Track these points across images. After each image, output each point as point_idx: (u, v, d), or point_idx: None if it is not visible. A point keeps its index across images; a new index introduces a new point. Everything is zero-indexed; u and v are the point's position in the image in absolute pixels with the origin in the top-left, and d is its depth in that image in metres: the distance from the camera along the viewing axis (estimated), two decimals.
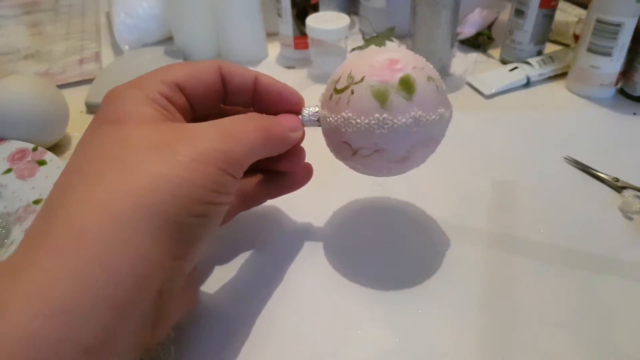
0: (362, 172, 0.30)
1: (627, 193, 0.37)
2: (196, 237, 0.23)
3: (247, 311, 0.29)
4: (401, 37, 0.58)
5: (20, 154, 0.39)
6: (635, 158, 0.42)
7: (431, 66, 0.28)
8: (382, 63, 0.26)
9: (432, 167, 0.41)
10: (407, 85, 0.26)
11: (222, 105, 0.29)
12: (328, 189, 0.38)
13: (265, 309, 0.30)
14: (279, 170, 0.32)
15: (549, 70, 0.53)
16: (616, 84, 0.49)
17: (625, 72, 0.49)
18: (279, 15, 0.56)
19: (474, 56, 0.58)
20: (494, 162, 0.42)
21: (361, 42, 0.57)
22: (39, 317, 0.18)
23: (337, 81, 0.27)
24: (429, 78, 0.27)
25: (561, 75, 0.54)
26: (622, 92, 0.50)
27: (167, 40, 0.63)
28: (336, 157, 0.30)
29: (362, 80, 0.26)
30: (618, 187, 0.38)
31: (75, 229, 0.20)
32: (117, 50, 0.62)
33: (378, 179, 0.39)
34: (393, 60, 0.26)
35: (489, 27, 0.61)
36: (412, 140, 0.27)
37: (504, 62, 0.57)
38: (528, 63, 0.53)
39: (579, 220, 0.36)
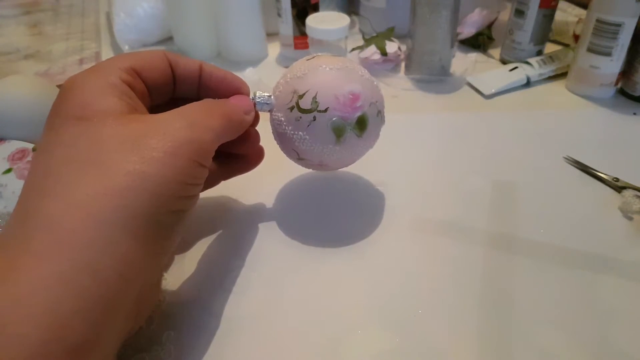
0: (304, 167, 0.33)
1: (627, 193, 0.37)
2: (174, 233, 0.24)
3: (246, 310, 0.29)
4: (401, 37, 0.58)
5: (20, 154, 0.39)
6: (635, 158, 0.42)
7: (381, 94, 0.32)
8: (346, 97, 0.29)
9: (433, 167, 0.41)
10: (361, 124, 0.30)
11: (172, 96, 0.29)
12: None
13: (262, 306, 0.30)
14: (233, 152, 0.32)
15: (549, 70, 0.53)
16: (616, 84, 0.49)
17: (625, 72, 0.49)
18: (279, 15, 0.56)
19: (474, 56, 0.58)
20: (494, 162, 0.42)
21: (361, 42, 0.57)
22: (27, 319, 0.18)
23: (302, 96, 0.29)
24: (379, 113, 0.31)
25: (561, 75, 0.54)
26: (622, 92, 0.50)
27: (167, 40, 0.63)
28: (280, 148, 0.32)
29: (325, 111, 0.29)
30: (618, 187, 0.38)
31: (59, 232, 0.19)
32: (117, 50, 0.62)
33: (377, 180, 0.39)
34: (355, 95, 0.29)
35: (489, 27, 0.61)
36: (351, 161, 0.33)
37: (504, 62, 0.57)
38: (528, 63, 0.53)
39: (579, 220, 0.36)
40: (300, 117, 0.29)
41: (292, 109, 0.29)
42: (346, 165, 0.33)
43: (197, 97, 0.29)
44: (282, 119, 0.30)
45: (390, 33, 0.57)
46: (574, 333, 0.28)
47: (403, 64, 0.56)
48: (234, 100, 0.29)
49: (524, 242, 0.34)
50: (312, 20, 0.52)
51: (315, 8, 0.55)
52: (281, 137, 0.31)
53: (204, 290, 0.31)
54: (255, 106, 0.30)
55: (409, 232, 0.35)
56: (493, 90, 0.51)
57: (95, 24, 0.72)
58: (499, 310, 0.29)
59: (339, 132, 0.29)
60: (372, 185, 0.39)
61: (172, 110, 0.25)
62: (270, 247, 0.34)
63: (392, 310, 0.29)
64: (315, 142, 0.29)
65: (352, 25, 0.63)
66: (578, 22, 0.60)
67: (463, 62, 0.56)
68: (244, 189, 0.38)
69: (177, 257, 0.33)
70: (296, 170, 0.39)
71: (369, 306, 0.30)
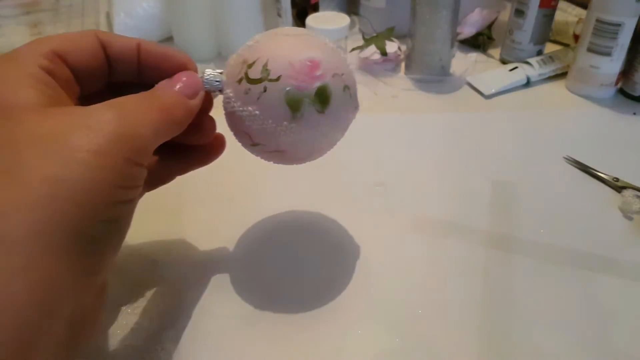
0: (261, 158, 0.28)
1: (627, 193, 0.37)
2: (107, 245, 0.20)
3: (246, 310, 0.29)
4: (401, 37, 0.58)
5: None
6: (635, 158, 0.42)
7: (350, 69, 0.27)
8: (303, 64, 0.24)
9: (433, 167, 0.41)
10: (322, 97, 0.25)
11: (109, 81, 0.26)
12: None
13: (262, 306, 0.30)
14: (188, 143, 0.28)
15: (549, 70, 0.53)
16: (616, 84, 0.49)
17: (625, 72, 0.49)
18: (279, 15, 0.56)
19: (474, 56, 0.58)
20: (494, 162, 0.42)
21: (361, 42, 0.57)
22: None
23: (251, 65, 0.25)
24: (345, 87, 0.26)
25: (561, 75, 0.54)
26: (622, 92, 0.50)
27: (167, 40, 0.63)
28: (233, 134, 0.28)
29: (278, 79, 0.24)
30: (618, 187, 0.38)
31: None
32: None
33: (377, 180, 0.39)
34: (314, 63, 0.25)
35: (489, 27, 0.61)
36: (316, 147, 0.27)
37: (504, 62, 0.57)
38: (528, 63, 0.53)
39: (579, 220, 0.36)
40: (250, 89, 0.25)
41: (240, 80, 0.25)
42: (311, 155, 0.28)
43: (138, 80, 0.26)
44: (231, 94, 0.25)
45: (390, 33, 0.57)
46: (574, 333, 0.28)
47: (403, 64, 0.56)
48: (179, 77, 0.25)
49: (524, 242, 0.34)
50: (312, 20, 0.52)
51: (315, 8, 0.55)
52: (231, 118, 0.26)
53: (204, 290, 0.31)
54: (204, 87, 0.26)
55: (409, 232, 0.35)
56: (493, 90, 0.51)
57: (95, 24, 0.72)
58: (499, 310, 0.29)
59: (294, 104, 0.24)
60: (371, 186, 0.39)
61: (102, 103, 0.21)
62: (271, 250, 0.34)
63: (392, 310, 0.29)
64: (267, 118, 0.25)
65: (352, 25, 0.63)
66: (578, 22, 0.60)
67: (463, 62, 0.56)
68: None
69: (175, 257, 0.33)
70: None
71: (369, 306, 0.30)
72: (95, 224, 0.19)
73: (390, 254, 0.33)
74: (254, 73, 0.24)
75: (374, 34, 0.57)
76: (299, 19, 0.55)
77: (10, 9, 0.79)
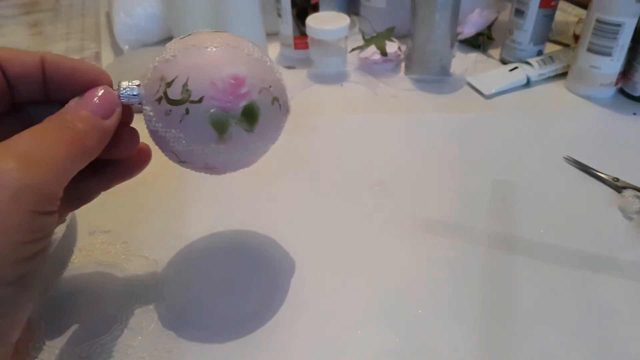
0: (192, 171, 0.27)
1: (627, 193, 0.37)
2: (16, 304, 0.19)
3: (246, 310, 0.29)
4: (401, 37, 0.58)
5: None
6: (635, 158, 0.42)
7: (278, 78, 0.25)
8: (225, 83, 0.23)
9: (432, 167, 0.41)
10: (250, 116, 0.24)
11: (13, 102, 0.23)
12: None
13: (262, 306, 0.30)
14: (108, 158, 0.25)
15: (549, 70, 0.53)
16: (616, 84, 0.49)
17: (625, 72, 0.49)
18: (279, 15, 0.56)
19: (474, 56, 0.58)
20: (494, 162, 0.42)
21: (361, 42, 0.57)
22: None
23: (170, 84, 0.23)
24: (274, 100, 0.25)
25: (561, 75, 0.54)
26: (622, 92, 0.50)
27: (167, 40, 0.62)
28: (162, 152, 0.26)
29: (200, 101, 0.23)
30: (618, 187, 0.38)
31: None
32: (117, 50, 0.62)
33: (376, 180, 0.39)
34: (238, 80, 0.23)
35: (489, 27, 0.61)
36: (248, 161, 0.26)
37: (504, 62, 0.57)
38: (528, 63, 0.53)
39: (579, 220, 0.36)
40: (171, 110, 0.23)
41: (160, 100, 0.23)
42: (243, 167, 0.27)
43: (47, 98, 0.23)
44: (151, 113, 0.24)
45: (390, 33, 0.57)
46: (574, 333, 0.28)
47: (403, 64, 0.56)
48: (92, 94, 0.22)
49: (524, 242, 0.34)
50: (312, 20, 0.52)
51: (315, 8, 0.55)
52: (154, 137, 0.25)
53: (204, 290, 0.31)
54: (121, 100, 0.24)
55: (409, 232, 0.35)
56: (493, 90, 0.51)
57: (95, 24, 0.72)
58: (499, 310, 0.29)
59: (220, 126, 0.23)
60: (370, 186, 0.39)
61: None
62: (272, 249, 0.34)
63: (392, 311, 0.29)
64: (192, 140, 0.23)
65: (352, 25, 0.63)
66: (578, 22, 0.60)
67: (463, 62, 0.56)
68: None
69: (174, 257, 0.33)
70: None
71: (369, 306, 0.30)
72: (1, 287, 0.18)
73: (390, 254, 0.33)
74: (174, 93, 0.23)
75: (374, 34, 0.57)
76: (299, 19, 0.55)
77: (10, 9, 0.79)
